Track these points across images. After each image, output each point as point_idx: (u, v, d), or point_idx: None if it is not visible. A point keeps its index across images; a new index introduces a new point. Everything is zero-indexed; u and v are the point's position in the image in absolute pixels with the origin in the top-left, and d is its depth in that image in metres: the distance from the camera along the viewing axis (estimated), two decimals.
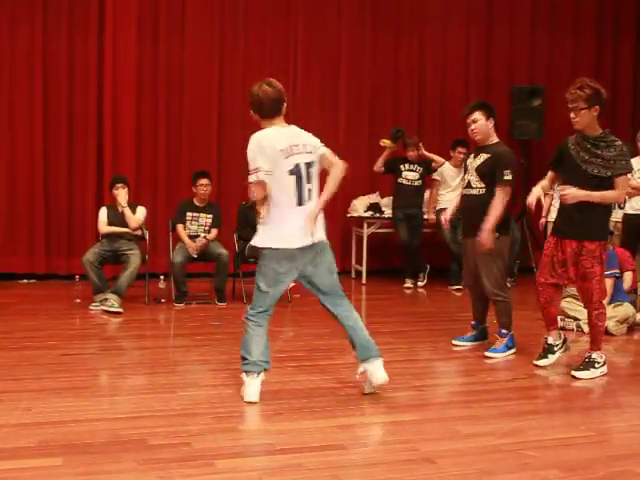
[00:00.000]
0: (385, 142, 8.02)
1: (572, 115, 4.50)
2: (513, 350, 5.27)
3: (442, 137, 9.19)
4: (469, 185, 5.19)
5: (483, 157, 5.13)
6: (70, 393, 4.07)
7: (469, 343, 5.46)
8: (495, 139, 5.22)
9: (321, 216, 4.10)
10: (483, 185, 5.09)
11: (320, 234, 4.08)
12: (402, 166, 8.08)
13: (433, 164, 8.24)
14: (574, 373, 4.66)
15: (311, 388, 4.28)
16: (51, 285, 7.83)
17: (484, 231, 4.96)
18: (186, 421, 3.66)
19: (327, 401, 4.02)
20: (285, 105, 4.20)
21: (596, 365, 4.67)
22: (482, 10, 9.30)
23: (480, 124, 5.14)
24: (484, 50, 9.36)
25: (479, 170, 5.12)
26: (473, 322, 5.54)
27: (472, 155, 5.26)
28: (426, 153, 8.18)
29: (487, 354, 5.22)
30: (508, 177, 5.00)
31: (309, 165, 4.05)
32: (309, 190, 4.05)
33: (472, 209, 5.15)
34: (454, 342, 5.49)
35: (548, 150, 8.85)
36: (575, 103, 4.46)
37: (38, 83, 7.91)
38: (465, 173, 5.30)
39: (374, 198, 8.67)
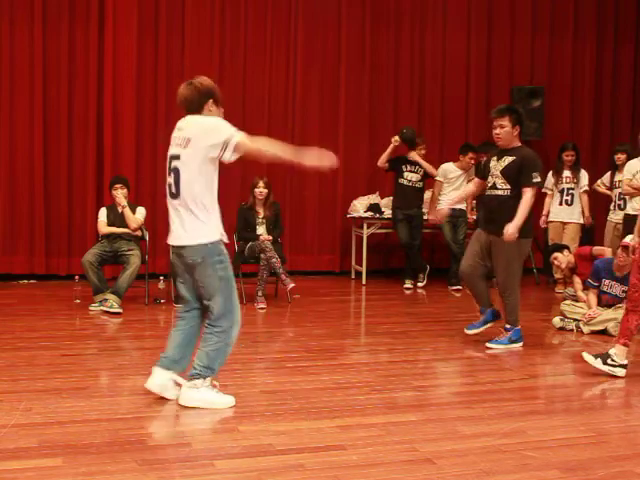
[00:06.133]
0: (397, 140, 7.99)
1: None
2: (519, 344, 5.37)
3: (442, 137, 9.21)
4: (494, 187, 5.28)
5: (508, 160, 5.23)
6: (70, 393, 4.07)
7: (481, 328, 5.49)
8: (518, 143, 5.32)
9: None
10: (509, 187, 5.20)
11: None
12: (404, 167, 8.06)
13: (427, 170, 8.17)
14: None
15: (310, 389, 4.28)
16: (51, 285, 7.82)
17: (512, 227, 5.05)
18: (186, 421, 3.66)
19: (327, 401, 4.02)
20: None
21: None
22: (482, 10, 9.29)
23: (506, 131, 5.23)
24: (484, 50, 9.35)
25: (504, 173, 5.22)
26: (480, 308, 5.58)
27: (495, 158, 5.34)
28: (422, 161, 8.12)
29: (487, 345, 5.33)
30: (537, 179, 5.16)
31: (173, 158, 3.85)
32: (169, 184, 3.87)
33: (498, 209, 5.23)
34: (466, 331, 5.53)
35: (548, 150, 8.89)
36: None
37: (38, 83, 7.91)
38: (488, 175, 5.36)
39: (374, 198, 8.67)
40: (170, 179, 3.84)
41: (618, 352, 4.65)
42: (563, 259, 6.59)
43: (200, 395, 3.83)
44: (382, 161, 8.06)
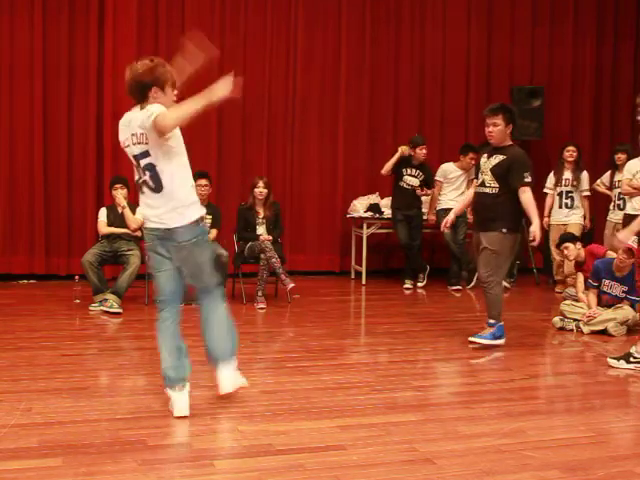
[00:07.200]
0: (404, 149, 7.99)
1: (638, 118, 4.65)
2: (501, 340, 5.35)
3: (442, 137, 9.21)
4: (483, 184, 5.33)
5: (498, 158, 5.27)
6: (70, 394, 4.07)
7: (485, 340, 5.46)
8: (509, 142, 5.36)
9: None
10: (497, 185, 5.24)
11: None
12: (404, 170, 8.05)
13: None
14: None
15: (310, 389, 4.28)
16: (51, 285, 7.82)
17: (537, 229, 5.15)
18: (185, 421, 3.66)
19: (327, 401, 4.02)
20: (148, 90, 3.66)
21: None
22: (482, 10, 9.30)
23: (499, 129, 5.27)
24: (484, 50, 9.36)
25: (494, 171, 5.26)
26: (488, 321, 5.53)
27: (486, 155, 5.38)
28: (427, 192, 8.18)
29: (470, 339, 5.33)
30: (528, 179, 5.21)
31: (142, 156, 3.74)
32: (144, 181, 3.78)
33: (485, 206, 5.31)
34: (470, 339, 5.48)
35: (548, 150, 8.90)
36: None
37: (38, 83, 7.91)
38: (478, 173, 5.42)
39: (374, 198, 8.67)
40: (145, 176, 3.73)
41: (639, 348, 4.80)
42: (573, 251, 6.53)
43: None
44: (387, 170, 8.04)
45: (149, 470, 3.06)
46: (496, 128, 5.24)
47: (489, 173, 5.28)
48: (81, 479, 2.97)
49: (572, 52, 9.60)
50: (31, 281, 7.99)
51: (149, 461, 3.14)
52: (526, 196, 5.18)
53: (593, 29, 9.67)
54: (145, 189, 3.78)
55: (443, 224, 5.78)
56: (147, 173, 3.73)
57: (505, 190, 5.20)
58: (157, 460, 3.17)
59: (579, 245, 6.57)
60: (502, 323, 5.37)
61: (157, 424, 3.61)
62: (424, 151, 7.99)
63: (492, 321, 5.36)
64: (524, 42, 9.44)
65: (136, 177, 3.86)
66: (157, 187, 3.71)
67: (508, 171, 5.20)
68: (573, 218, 7.91)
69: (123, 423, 3.63)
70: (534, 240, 5.19)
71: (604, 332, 5.83)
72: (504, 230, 5.19)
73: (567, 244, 6.59)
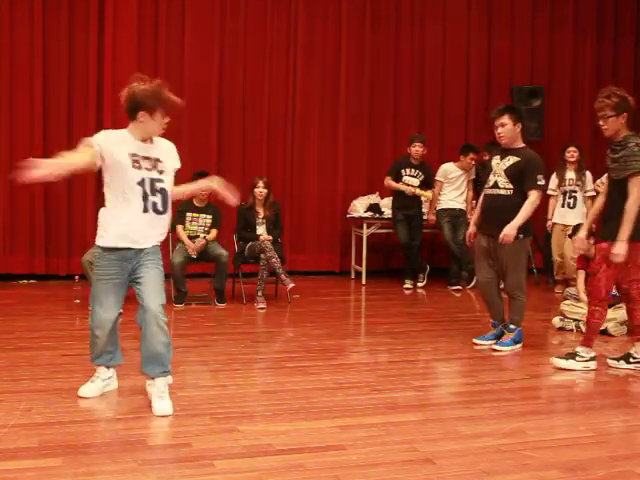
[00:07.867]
0: (422, 195, 7.99)
1: (601, 123, 4.66)
2: (520, 345, 5.38)
3: (442, 137, 9.21)
4: (496, 185, 5.29)
5: (512, 159, 5.25)
6: (70, 393, 4.07)
7: (490, 342, 5.47)
8: (521, 143, 5.35)
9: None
10: (512, 187, 5.21)
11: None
12: (403, 171, 8.05)
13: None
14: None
15: (310, 389, 4.28)
16: (51, 285, 7.82)
17: (511, 228, 5.09)
18: (185, 422, 3.66)
19: (327, 401, 4.02)
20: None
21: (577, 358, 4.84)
22: (482, 10, 9.31)
23: (507, 129, 5.25)
24: (484, 50, 9.37)
25: (508, 172, 5.23)
26: (492, 321, 5.57)
27: (498, 157, 5.35)
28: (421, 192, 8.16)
29: (494, 347, 5.33)
30: (541, 182, 5.22)
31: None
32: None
33: (499, 209, 5.25)
34: (475, 341, 5.50)
35: (548, 150, 8.89)
36: (603, 111, 4.63)
37: (38, 83, 7.91)
38: (490, 174, 5.37)
39: (374, 198, 8.67)
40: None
41: (638, 349, 4.83)
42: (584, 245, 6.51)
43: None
44: (390, 187, 8.06)
45: (149, 470, 3.06)
46: (505, 128, 5.24)
47: (503, 174, 5.24)
48: (81, 479, 2.97)
49: (572, 52, 9.62)
50: (31, 281, 7.99)
51: (149, 461, 3.15)
52: (531, 199, 5.17)
53: (593, 29, 9.68)
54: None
55: (467, 239, 5.70)
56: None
57: (519, 192, 5.20)
58: (157, 460, 3.17)
59: (592, 240, 6.53)
60: (521, 327, 5.40)
61: (157, 424, 3.61)
62: (417, 148, 7.95)
63: (513, 326, 5.38)
64: (524, 42, 9.45)
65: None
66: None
67: (523, 173, 5.18)
68: (574, 219, 7.87)
69: (123, 423, 3.63)
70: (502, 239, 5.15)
71: (604, 332, 5.82)
72: (521, 236, 5.19)
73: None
